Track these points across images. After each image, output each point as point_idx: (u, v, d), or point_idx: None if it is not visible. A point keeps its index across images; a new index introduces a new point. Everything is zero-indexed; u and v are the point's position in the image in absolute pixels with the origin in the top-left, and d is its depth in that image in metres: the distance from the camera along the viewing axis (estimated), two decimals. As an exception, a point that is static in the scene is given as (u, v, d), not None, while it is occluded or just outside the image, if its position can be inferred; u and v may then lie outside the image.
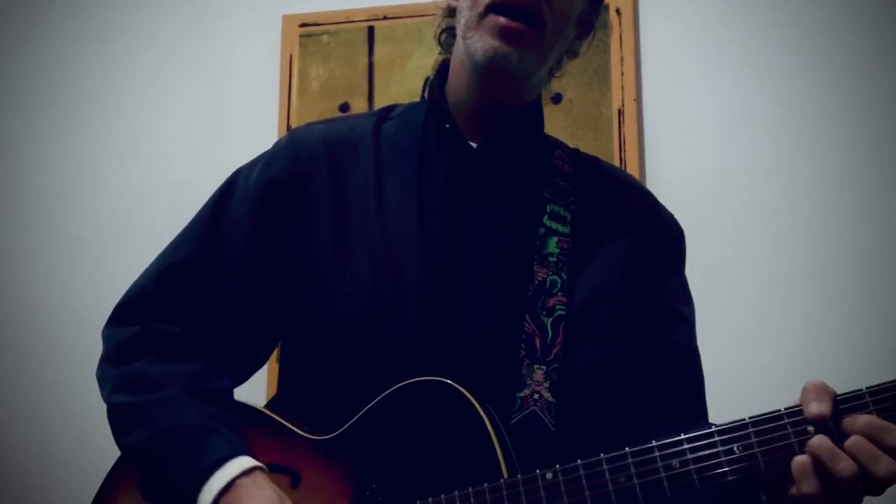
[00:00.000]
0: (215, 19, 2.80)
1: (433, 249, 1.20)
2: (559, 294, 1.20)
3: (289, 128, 2.61)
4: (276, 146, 1.35)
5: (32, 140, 2.81)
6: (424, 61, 2.51)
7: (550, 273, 1.21)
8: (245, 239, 1.26)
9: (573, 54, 1.34)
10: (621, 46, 2.49)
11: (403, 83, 2.59)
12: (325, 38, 2.69)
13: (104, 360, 1.27)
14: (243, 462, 1.11)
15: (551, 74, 1.33)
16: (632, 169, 2.40)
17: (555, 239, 1.24)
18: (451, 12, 1.30)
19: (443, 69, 1.32)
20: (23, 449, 2.53)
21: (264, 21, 2.74)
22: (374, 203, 1.24)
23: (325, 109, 2.62)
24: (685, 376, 1.24)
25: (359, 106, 2.61)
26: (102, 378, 1.25)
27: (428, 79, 1.36)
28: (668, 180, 2.41)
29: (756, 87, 2.43)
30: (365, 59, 2.64)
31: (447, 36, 1.32)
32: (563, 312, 1.19)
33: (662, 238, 1.32)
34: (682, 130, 2.44)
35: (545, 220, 1.25)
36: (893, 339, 2.15)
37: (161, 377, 1.19)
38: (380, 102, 2.57)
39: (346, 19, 2.67)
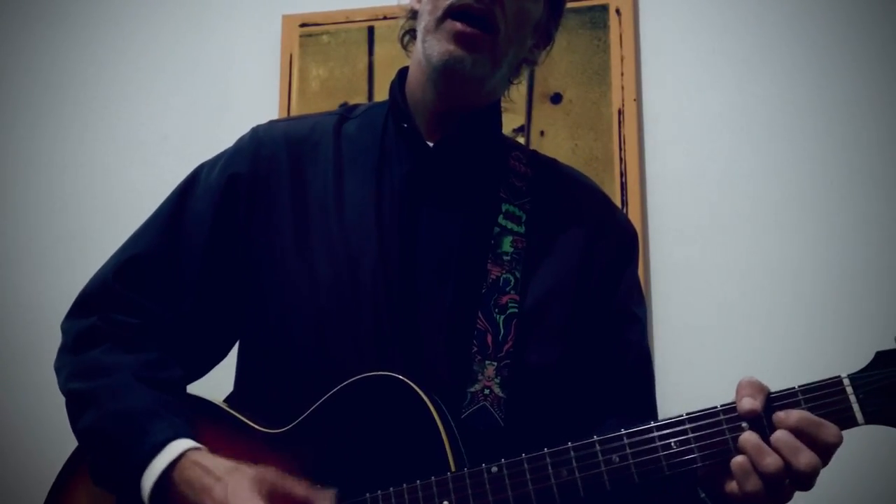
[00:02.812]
0: (215, 19, 2.80)
1: (390, 247, 1.23)
2: (512, 292, 1.23)
3: (289, 128, 2.61)
4: (239, 143, 1.37)
5: (33, 140, 2.81)
6: (424, 61, 2.51)
7: (504, 272, 1.24)
8: (205, 233, 1.29)
9: (531, 62, 1.38)
10: (621, 46, 2.49)
11: (403, 83, 2.59)
12: (325, 38, 2.69)
13: (61, 351, 1.29)
14: (185, 443, 1.13)
15: (510, 81, 1.36)
16: (632, 169, 2.40)
17: (509, 238, 1.27)
18: (413, 14, 1.34)
19: (403, 70, 1.36)
20: (22, 449, 2.53)
21: (264, 21, 2.74)
22: (333, 201, 1.27)
23: (325, 109, 2.62)
24: (635, 375, 1.26)
25: (359, 106, 2.61)
26: (59, 367, 1.27)
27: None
28: (668, 180, 2.41)
29: (756, 86, 2.42)
30: (365, 59, 2.64)
31: (409, 38, 1.36)
32: (516, 310, 1.22)
33: (616, 239, 1.34)
34: (682, 130, 2.44)
35: (500, 219, 1.28)
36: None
37: (114, 365, 1.21)
38: (380, 102, 2.58)
39: (346, 19, 2.67)
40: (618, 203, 2.39)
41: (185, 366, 1.27)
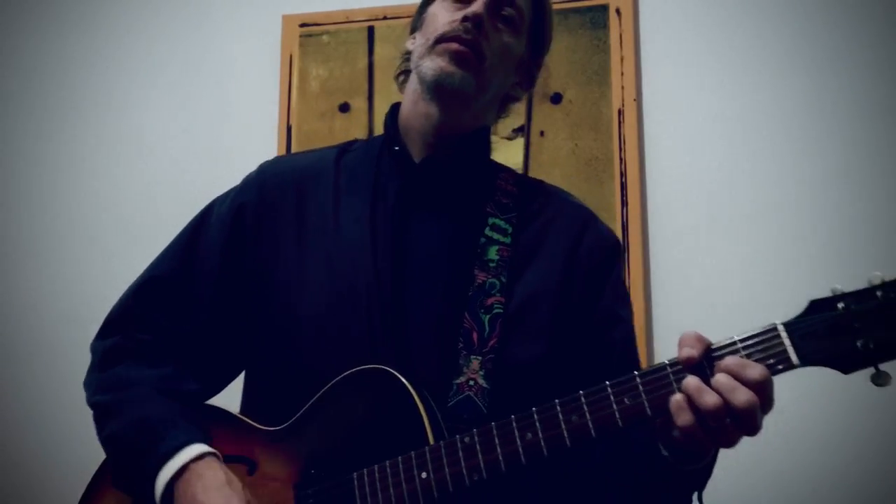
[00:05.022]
0: (215, 19, 2.80)
1: (383, 256, 1.35)
2: (498, 295, 1.33)
3: (289, 128, 2.62)
4: (247, 178, 1.51)
5: (33, 140, 2.82)
6: (424, 61, 2.51)
7: (490, 277, 1.35)
8: (217, 257, 1.42)
9: (515, 99, 1.53)
10: (621, 46, 2.49)
11: (403, 83, 2.59)
12: (325, 38, 2.69)
13: (90, 369, 1.42)
14: (197, 448, 1.26)
15: (497, 115, 1.51)
16: (632, 169, 2.41)
17: (495, 247, 1.38)
18: (408, 56, 1.48)
19: (396, 105, 1.49)
20: (23, 449, 2.54)
21: (264, 21, 2.74)
22: (331, 219, 1.40)
23: (325, 109, 2.63)
24: (619, 372, 1.29)
25: (359, 106, 2.61)
26: (87, 384, 1.40)
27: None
28: (668, 180, 2.41)
29: (756, 86, 2.43)
30: (365, 59, 2.65)
31: (404, 78, 1.49)
32: (501, 311, 1.32)
33: (599, 247, 1.43)
34: (682, 130, 2.44)
35: (487, 231, 1.39)
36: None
37: (135, 379, 1.35)
38: (380, 102, 2.58)
39: (346, 19, 2.67)
40: (618, 203, 2.40)
41: (202, 380, 1.40)
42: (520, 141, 2.50)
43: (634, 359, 1.41)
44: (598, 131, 2.46)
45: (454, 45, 1.36)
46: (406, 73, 1.48)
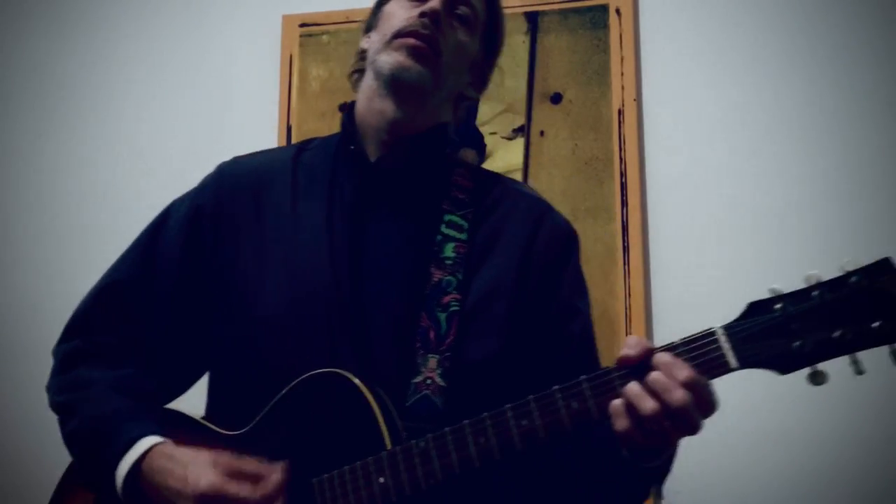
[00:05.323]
0: (215, 20, 2.80)
1: (340, 257, 1.35)
2: (454, 292, 1.34)
3: (289, 128, 2.62)
4: (205, 179, 1.52)
5: (32, 140, 2.82)
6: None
7: (446, 274, 1.35)
8: (176, 259, 1.43)
9: (468, 99, 1.54)
10: (621, 46, 2.49)
11: (403, 83, 2.59)
12: (325, 38, 2.69)
13: (52, 373, 1.43)
14: (152, 439, 1.26)
15: (454, 113, 1.50)
16: (632, 169, 2.41)
17: (452, 244, 1.38)
18: (363, 56, 1.49)
19: (352, 103, 1.50)
20: (22, 449, 2.54)
21: (264, 21, 2.74)
22: (289, 219, 1.40)
23: (325, 109, 2.62)
24: (578, 367, 1.31)
25: (359, 106, 2.61)
26: (49, 388, 1.41)
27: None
28: (668, 180, 2.41)
29: (756, 86, 2.42)
30: (365, 59, 2.65)
31: (358, 77, 1.49)
32: (458, 308, 1.33)
33: (554, 239, 1.43)
34: (682, 130, 2.44)
35: (443, 228, 1.39)
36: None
37: (93, 379, 1.35)
38: (380, 102, 2.58)
39: (346, 19, 2.67)
40: (618, 203, 2.40)
41: (164, 381, 1.41)
42: (520, 141, 2.50)
43: (592, 352, 1.42)
44: (598, 131, 2.46)
45: (411, 40, 1.37)
46: (360, 71, 1.49)
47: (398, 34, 1.39)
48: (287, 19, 2.72)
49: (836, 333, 1.08)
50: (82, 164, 2.76)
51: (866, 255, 2.33)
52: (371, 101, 1.43)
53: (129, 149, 2.75)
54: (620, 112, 2.46)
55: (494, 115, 2.52)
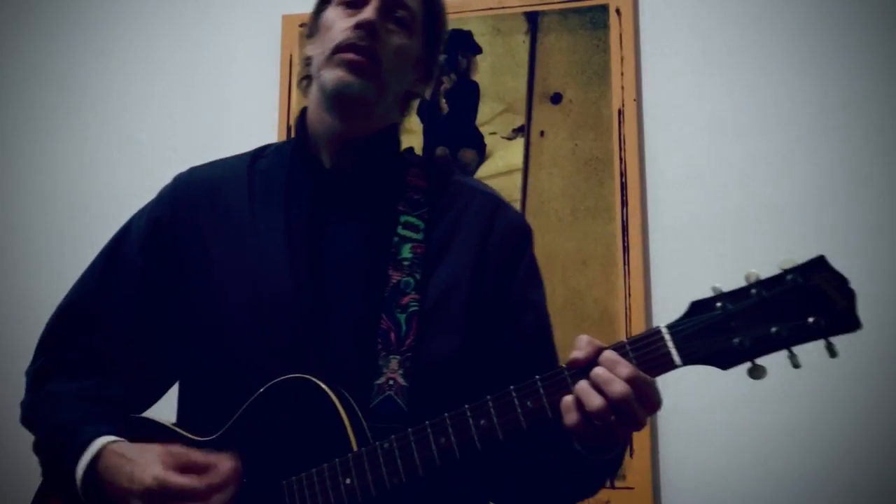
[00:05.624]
0: (215, 20, 2.80)
1: (299, 263, 1.37)
2: (413, 293, 1.36)
3: (289, 128, 2.62)
4: (162, 190, 1.54)
5: (32, 140, 2.82)
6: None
7: (404, 275, 1.38)
8: (137, 272, 1.45)
9: (417, 95, 1.54)
10: (621, 46, 2.49)
11: (403, 83, 2.59)
12: (325, 38, 2.69)
13: (25, 394, 1.48)
14: (106, 439, 1.29)
15: (402, 112, 1.53)
16: (632, 169, 2.41)
17: (409, 245, 1.40)
18: (308, 62, 1.49)
19: (304, 109, 1.50)
20: (21, 449, 2.53)
21: (264, 21, 2.74)
22: (248, 227, 1.42)
23: (325, 109, 2.63)
24: (533, 359, 1.34)
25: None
26: (21, 405, 1.47)
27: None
28: (668, 180, 2.42)
29: (756, 86, 2.43)
30: (365, 59, 2.65)
31: (307, 83, 1.50)
32: (417, 308, 1.35)
33: (509, 235, 1.46)
34: (682, 130, 2.44)
35: (399, 230, 1.41)
36: (894, 339, 2.15)
37: (58, 392, 1.40)
38: (380, 102, 2.58)
39: (346, 19, 2.67)
40: (618, 203, 2.40)
41: (132, 390, 1.42)
42: (520, 141, 2.50)
43: (547, 343, 1.45)
44: (597, 131, 2.46)
45: (350, 55, 1.38)
46: (308, 77, 1.49)
47: (337, 48, 1.39)
48: (287, 19, 2.72)
49: (774, 329, 1.13)
50: (81, 164, 2.76)
51: (866, 255, 2.34)
52: (320, 112, 1.44)
53: (130, 148, 2.75)
54: (620, 112, 2.46)
55: (494, 115, 2.52)
